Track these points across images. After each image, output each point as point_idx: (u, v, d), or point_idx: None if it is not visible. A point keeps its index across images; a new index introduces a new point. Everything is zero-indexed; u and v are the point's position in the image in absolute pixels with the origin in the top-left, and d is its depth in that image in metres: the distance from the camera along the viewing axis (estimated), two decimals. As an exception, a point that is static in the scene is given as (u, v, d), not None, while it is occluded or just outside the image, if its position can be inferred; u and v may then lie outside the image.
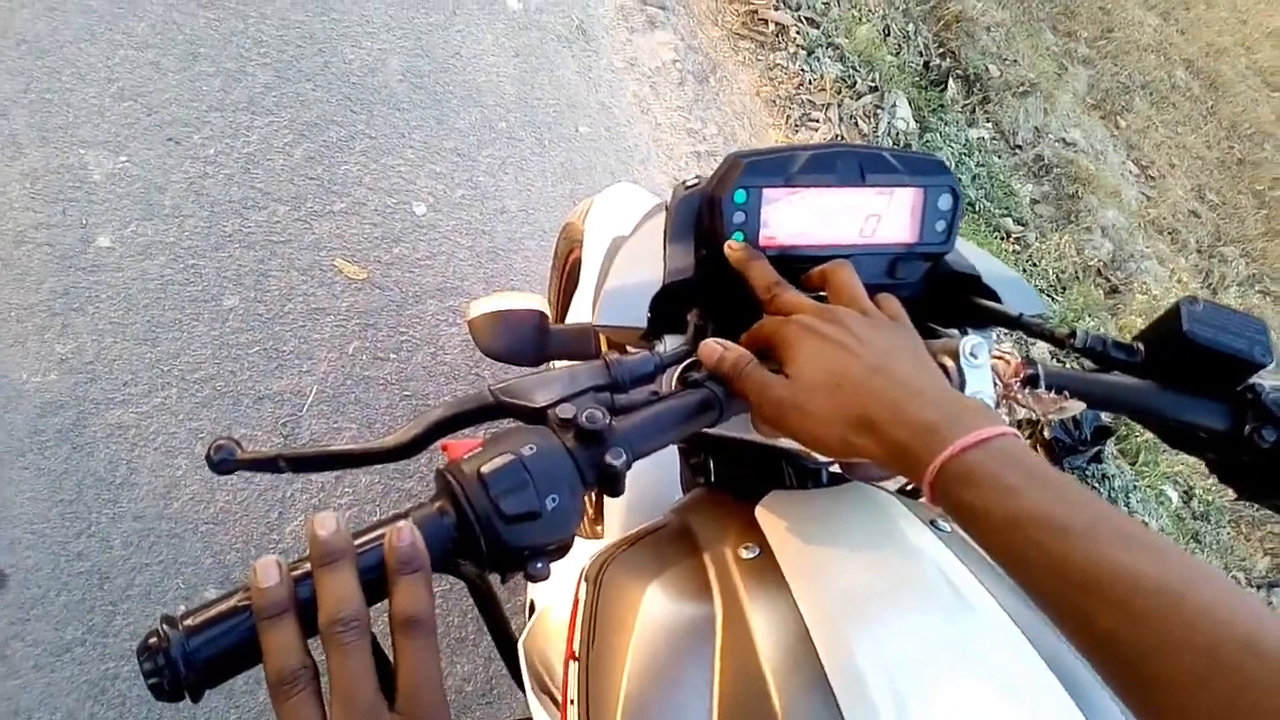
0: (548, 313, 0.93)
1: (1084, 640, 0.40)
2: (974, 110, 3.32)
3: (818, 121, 2.77)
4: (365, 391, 1.71)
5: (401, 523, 0.45)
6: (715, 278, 0.70)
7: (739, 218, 0.66)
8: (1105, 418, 2.30)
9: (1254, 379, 0.65)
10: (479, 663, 1.55)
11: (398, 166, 2.01)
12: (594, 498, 1.19)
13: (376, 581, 0.44)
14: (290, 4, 2.10)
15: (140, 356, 1.57)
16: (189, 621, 0.41)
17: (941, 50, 3.39)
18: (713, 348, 0.60)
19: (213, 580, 1.45)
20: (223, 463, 0.51)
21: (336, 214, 1.88)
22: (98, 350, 1.55)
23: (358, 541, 0.45)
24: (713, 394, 0.58)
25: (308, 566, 0.44)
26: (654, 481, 1.00)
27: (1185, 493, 2.63)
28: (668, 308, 0.71)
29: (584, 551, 0.80)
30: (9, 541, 1.36)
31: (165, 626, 0.41)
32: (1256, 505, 0.68)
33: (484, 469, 0.47)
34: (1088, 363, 0.68)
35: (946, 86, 3.27)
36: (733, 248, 0.66)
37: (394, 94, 2.11)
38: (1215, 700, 0.34)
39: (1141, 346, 0.65)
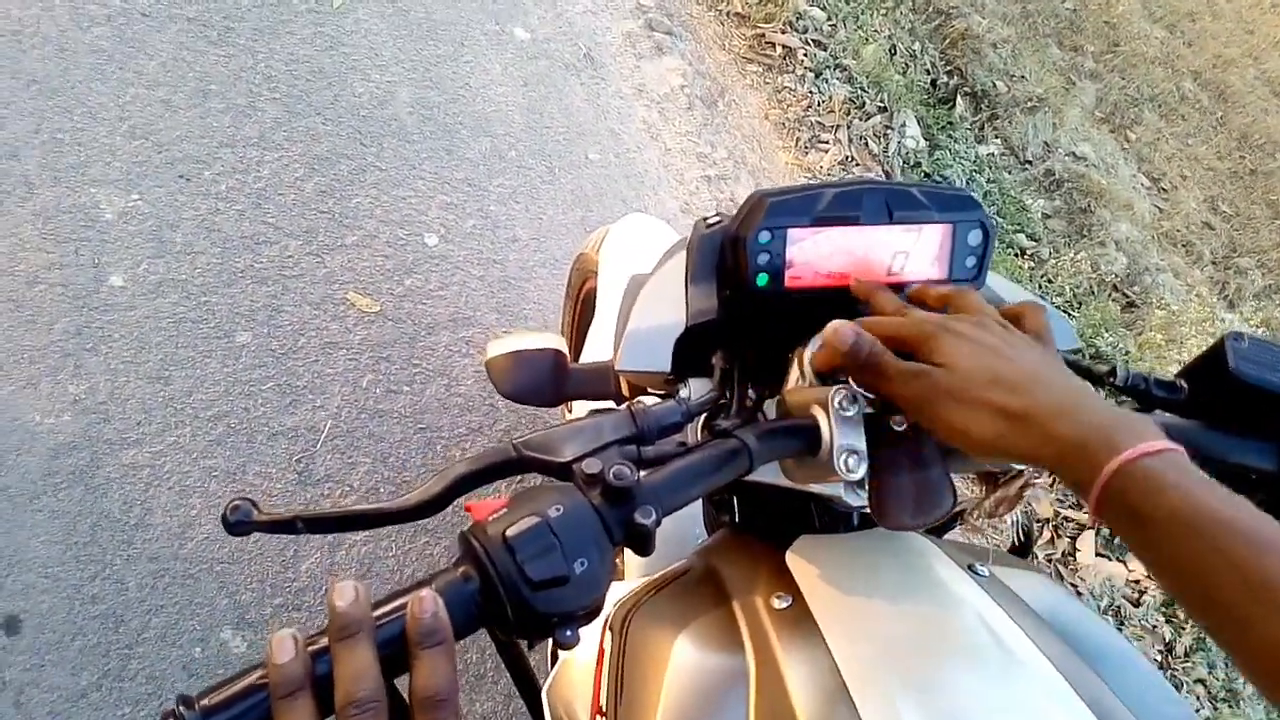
0: (565, 351, 0.92)
1: (1269, 661, 0.40)
2: (983, 127, 3.30)
3: (827, 143, 2.76)
4: (379, 425, 1.70)
5: (424, 591, 0.44)
6: (740, 319, 0.69)
7: (763, 258, 0.65)
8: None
9: None
10: (499, 700, 1.53)
11: (409, 198, 2.01)
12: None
13: (397, 656, 0.43)
14: (299, 40, 2.11)
15: (153, 395, 1.57)
16: (205, 702, 0.40)
17: (948, 68, 3.39)
18: (845, 331, 0.57)
19: (229, 621, 1.43)
20: (239, 524, 0.50)
21: (348, 247, 1.87)
22: (111, 390, 1.54)
23: (378, 613, 0.43)
24: (742, 443, 0.57)
25: (325, 640, 0.42)
26: (677, 519, 0.98)
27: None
28: (691, 350, 0.70)
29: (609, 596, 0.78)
30: (23, 586, 1.35)
31: (182, 708, 0.39)
32: None
33: (509, 532, 0.45)
34: (1130, 400, 0.66)
35: (954, 104, 3.26)
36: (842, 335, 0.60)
37: (404, 126, 2.11)
38: None
39: (1185, 384, 0.64)
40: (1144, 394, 0.64)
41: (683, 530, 0.96)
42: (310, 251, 1.83)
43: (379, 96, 2.13)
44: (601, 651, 0.75)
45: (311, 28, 2.15)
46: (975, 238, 0.67)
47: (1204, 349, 0.63)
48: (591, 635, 0.79)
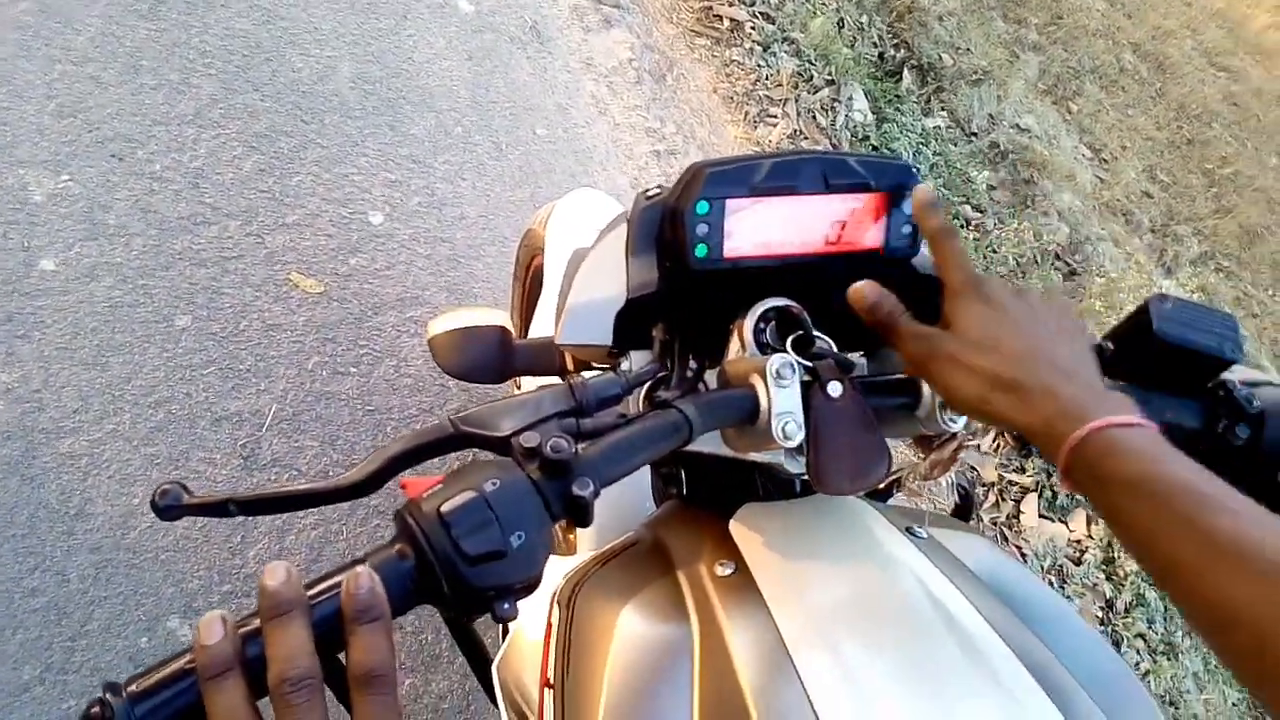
0: (510, 328, 0.91)
1: (1219, 614, 0.42)
2: (929, 99, 3.34)
3: (776, 117, 2.76)
4: (326, 408, 1.67)
5: (359, 568, 0.43)
6: (680, 291, 0.69)
7: (702, 229, 0.65)
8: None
9: (1225, 375, 0.65)
10: (455, 679, 1.52)
11: (352, 176, 1.97)
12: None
13: (333, 633, 0.42)
14: (235, 13, 2.05)
15: (90, 382, 1.52)
16: (133, 688, 0.39)
17: (895, 41, 3.41)
18: (866, 290, 0.62)
19: (176, 610, 1.41)
20: (169, 509, 0.49)
21: (290, 226, 1.83)
22: (45, 378, 1.49)
23: (311, 591, 0.43)
24: (681, 413, 0.57)
25: (257, 622, 0.41)
26: (626, 493, 0.99)
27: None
28: (632, 323, 0.69)
29: (556, 570, 0.78)
30: (-42, 581, 1.31)
31: (109, 694, 0.39)
32: None
33: (444, 508, 0.45)
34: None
35: (901, 77, 3.28)
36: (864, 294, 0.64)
37: (345, 102, 2.07)
38: None
39: (1111, 345, 0.65)
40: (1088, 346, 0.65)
41: (634, 504, 0.96)
42: (250, 232, 1.79)
43: (319, 71, 2.08)
44: (549, 626, 0.74)
45: (246, 1, 2.09)
46: (910, 205, 0.67)
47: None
48: (540, 610, 0.79)
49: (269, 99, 1.97)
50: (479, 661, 0.73)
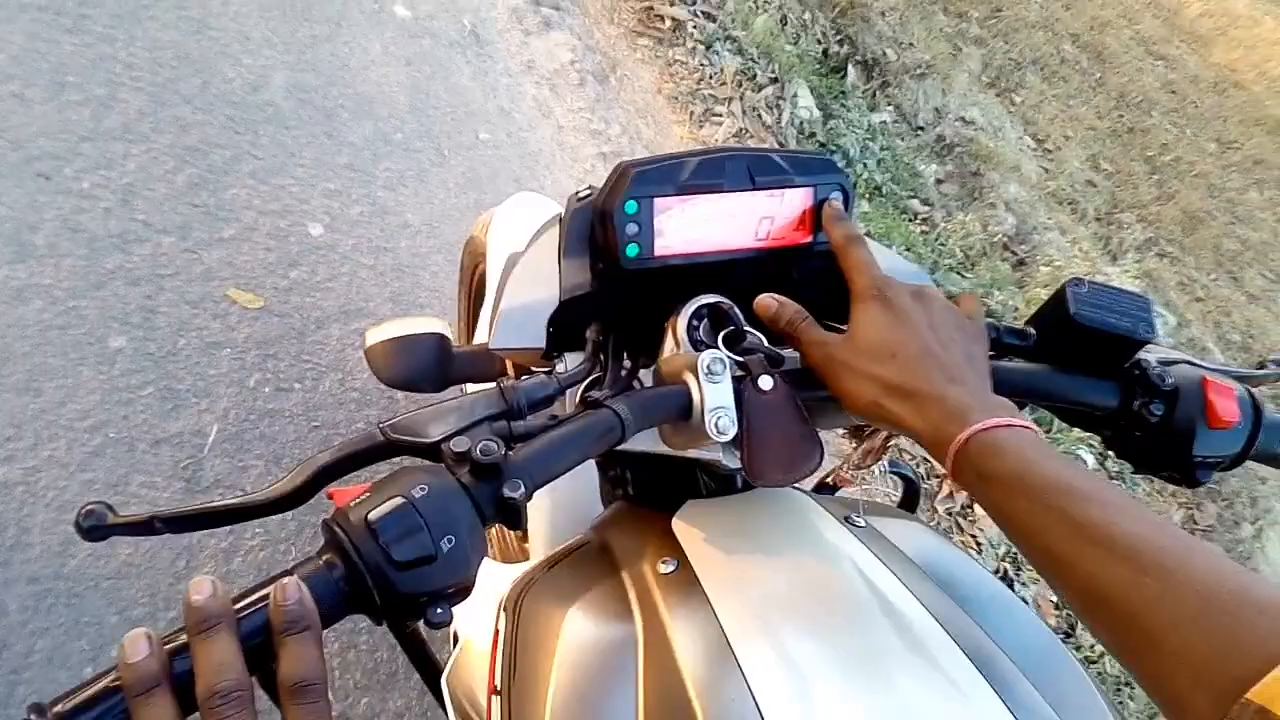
0: (449, 335, 0.90)
1: (1091, 595, 0.45)
2: (874, 95, 3.37)
3: (721, 115, 2.77)
4: (271, 425, 1.64)
5: (286, 580, 0.43)
6: (614, 291, 0.68)
7: (632, 229, 0.65)
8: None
9: (1140, 355, 0.67)
10: (411, 696, 1.50)
11: (289, 187, 1.93)
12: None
13: (262, 646, 0.42)
14: (161, 25, 2.00)
15: (22, 408, 1.47)
16: (58, 709, 0.39)
17: (839, 37, 3.44)
18: (768, 302, 0.65)
19: (120, 638, 1.36)
20: (94, 529, 0.48)
21: (226, 241, 1.79)
22: (-28, 405, 1.44)
23: (239, 605, 0.42)
24: (613, 412, 0.56)
25: (184, 638, 0.41)
26: (576, 498, 0.99)
27: (1100, 455, 2.72)
28: (566, 325, 0.69)
29: (507, 577, 0.78)
30: (-116, 621, 1.26)
31: (34, 716, 0.38)
32: (1152, 477, 0.70)
33: (371, 515, 0.45)
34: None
35: (846, 73, 3.31)
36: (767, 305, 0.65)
37: (280, 111, 2.03)
38: (1210, 639, 0.39)
39: (1033, 331, 0.67)
40: (996, 343, 0.67)
41: (584, 509, 0.97)
42: (185, 248, 1.74)
43: (252, 81, 2.04)
44: (496, 633, 0.74)
45: (174, 11, 2.04)
46: (837, 199, 0.67)
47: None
48: (488, 618, 0.79)
49: (200, 111, 1.93)
50: (431, 674, 0.73)
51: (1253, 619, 0.39)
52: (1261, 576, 0.42)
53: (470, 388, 0.70)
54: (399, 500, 0.45)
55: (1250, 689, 0.36)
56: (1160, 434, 0.66)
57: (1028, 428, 0.53)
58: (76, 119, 1.78)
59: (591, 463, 0.93)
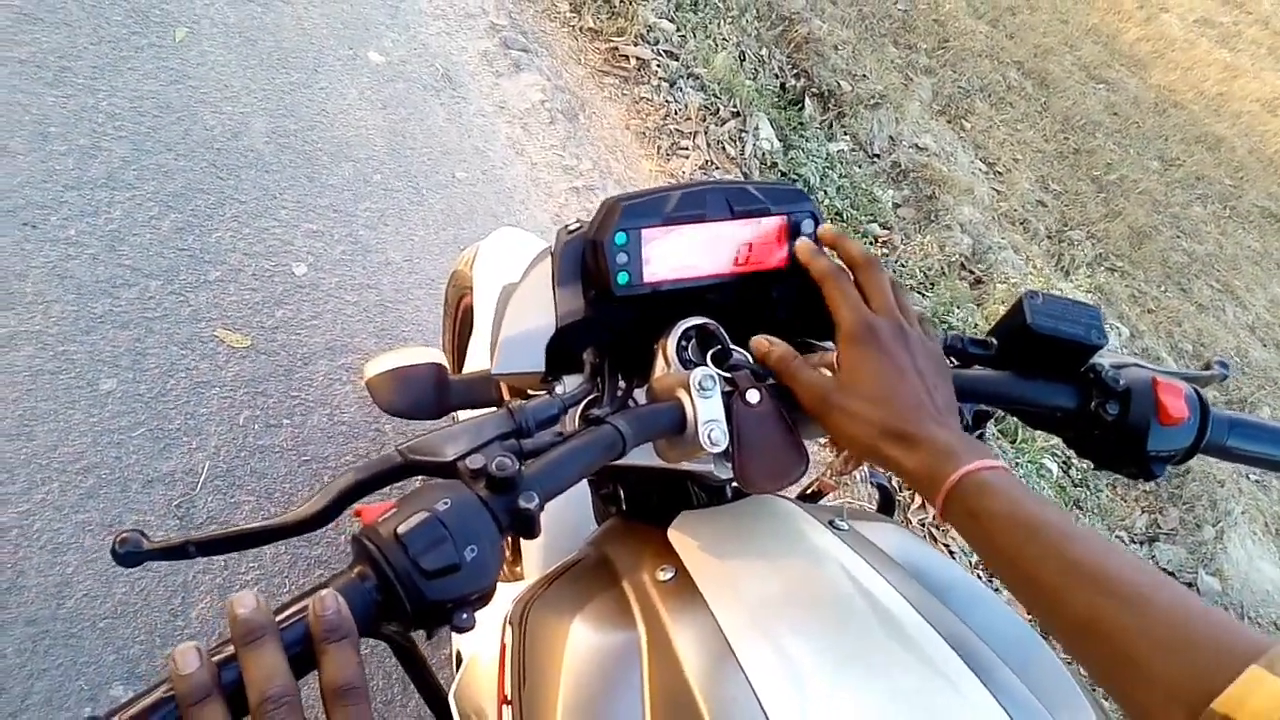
0: (445, 364, 0.94)
1: (1080, 625, 0.49)
2: (831, 125, 3.48)
3: (687, 149, 2.86)
4: (261, 462, 1.67)
5: (324, 591, 0.45)
6: (606, 316, 0.73)
7: (622, 259, 0.69)
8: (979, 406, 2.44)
9: (1094, 359, 0.72)
10: (410, 722, 1.52)
11: (272, 229, 1.97)
12: (510, 541, 1.19)
13: (303, 655, 0.44)
14: (141, 75, 2.04)
15: (15, 453, 1.49)
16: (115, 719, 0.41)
17: (795, 71, 3.55)
18: (761, 342, 0.68)
19: (118, 677, 1.38)
20: (129, 555, 0.50)
21: (212, 283, 1.83)
22: (-34, 452, 1.46)
23: (279, 617, 0.45)
24: (615, 428, 0.60)
25: (230, 649, 0.43)
26: (568, 517, 1.02)
27: (1064, 464, 2.81)
28: (564, 349, 0.73)
29: (506, 596, 0.81)
30: (-115, 667, 1.27)
31: None
32: (1113, 474, 0.75)
33: (400, 529, 0.48)
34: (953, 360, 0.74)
35: (804, 105, 3.42)
36: (760, 346, 0.69)
37: (261, 156, 2.08)
38: (1183, 661, 0.44)
39: (994, 341, 0.72)
40: (961, 353, 0.72)
41: (578, 528, 0.99)
42: (172, 291, 1.78)
43: (232, 128, 2.08)
44: (503, 647, 0.77)
45: (154, 62, 2.09)
46: (808, 226, 0.73)
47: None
48: (493, 634, 0.82)
49: (183, 158, 1.97)
50: (433, 695, 0.75)
51: (1216, 642, 0.44)
52: (1217, 608, 0.47)
53: (463, 415, 0.74)
54: (425, 514, 0.48)
55: (1214, 700, 0.41)
56: (1116, 432, 0.70)
57: (1007, 469, 0.57)
58: (60, 168, 1.81)
59: (583, 484, 0.97)
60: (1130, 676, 0.46)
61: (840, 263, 0.70)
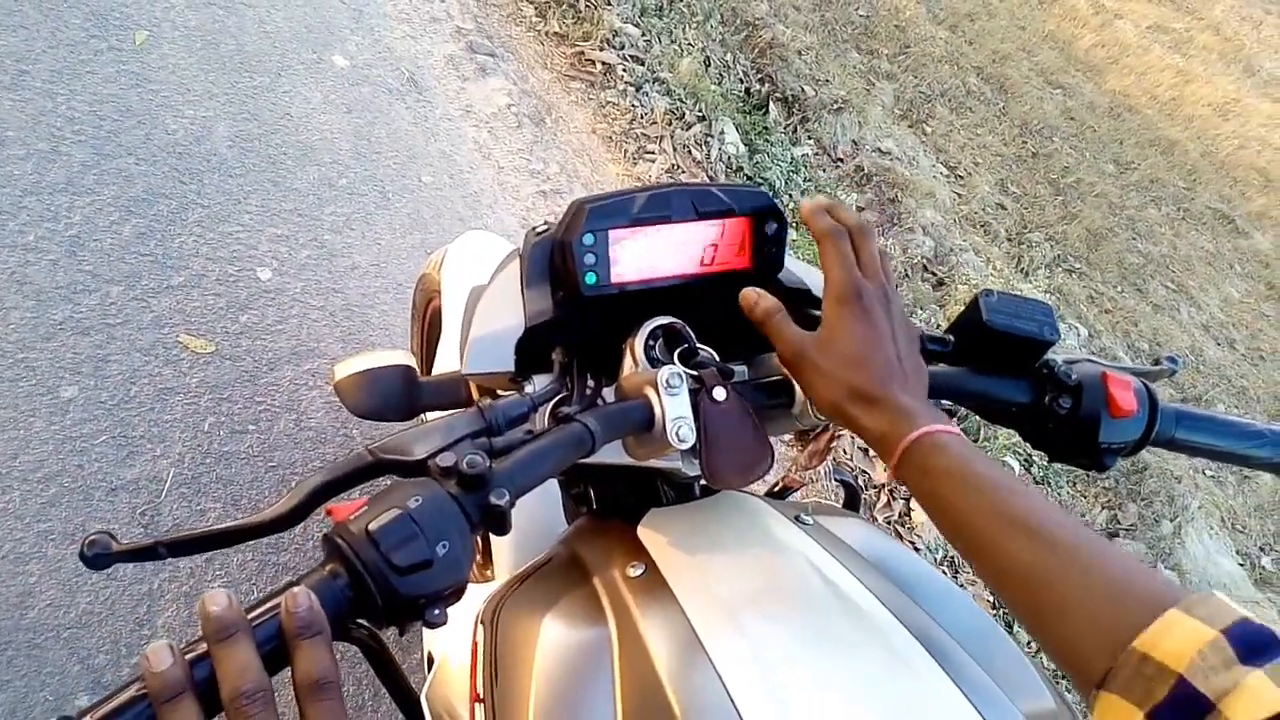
0: (414, 366, 0.94)
1: (1010, 572, 0.53)
2: (796, 130, 3.52)
3: (654, 153, 2.87)
4: (227, 468, 1.65)
5: (296, 588, 0.46)
6: (574, 316, 0.74)
7: (589, 259, 0.70)
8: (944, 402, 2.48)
9: (1048, 355, 0.74)
10: (380, 726, 1.52)
11: (236, 233, 1.96)
12: (480, 541, 1.20)
13: (276, 651, 0.44)
14: (101, 79, 2.02)
15: (-28, 462, 1.47)
16: (87, 718, 0.41)
17: (760, 76, 3.59)
18: (749, 294, 0.69)
19: (83, 688, 1.36)
20: (98, 558, 0.50)
21: (175, 288, 1.81)
22: (-78, 461, 1.43)
23: (252, 614, 0.45)
24: (584, 425, 0.61)
25: (203, 646, 0.43)
26: (539, 517, 1.02)
27: (1025, 460, 2.86)
28: (532, 349, 0.74)
29: (477, 596, 0.81)
30: None
31: None
32: (1069, 467, 0.77)
33: (372, 526, 0.48)
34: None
35: (768, 110, 3.46)
36: (748, 298, 0.70)
37: (224, 160, 2.06)
38: (1105, 605, 0.47)
39: (951, 338, 0.74)
40: (920, 350, 0.74)
41: (548, 527, 0.99)
42: (134, 296, 1.76)
43: (194, 132, 2.06)
44: (475, 646, 0.77)
45: (114, 66, 2.06)
46: (772, 227, 0.74)
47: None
48: (464, 634, 0.82)
49: (144, 162, 1.95)
50: (404, 697, 0.76)
51: (1140, 590, 0.47)
52: (1132, 555, 0.50)
53: (432, 416, 0.74)
54: (396, 511, 0.48)
55: (1134, 640, 0.44)
56: (1069, 425, 0.72)
57: (961, 435, 0.60)
58: (19, 173, 1.79)
59: (553, 483, 0.97)
60: (1059, 621, 0.49)
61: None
